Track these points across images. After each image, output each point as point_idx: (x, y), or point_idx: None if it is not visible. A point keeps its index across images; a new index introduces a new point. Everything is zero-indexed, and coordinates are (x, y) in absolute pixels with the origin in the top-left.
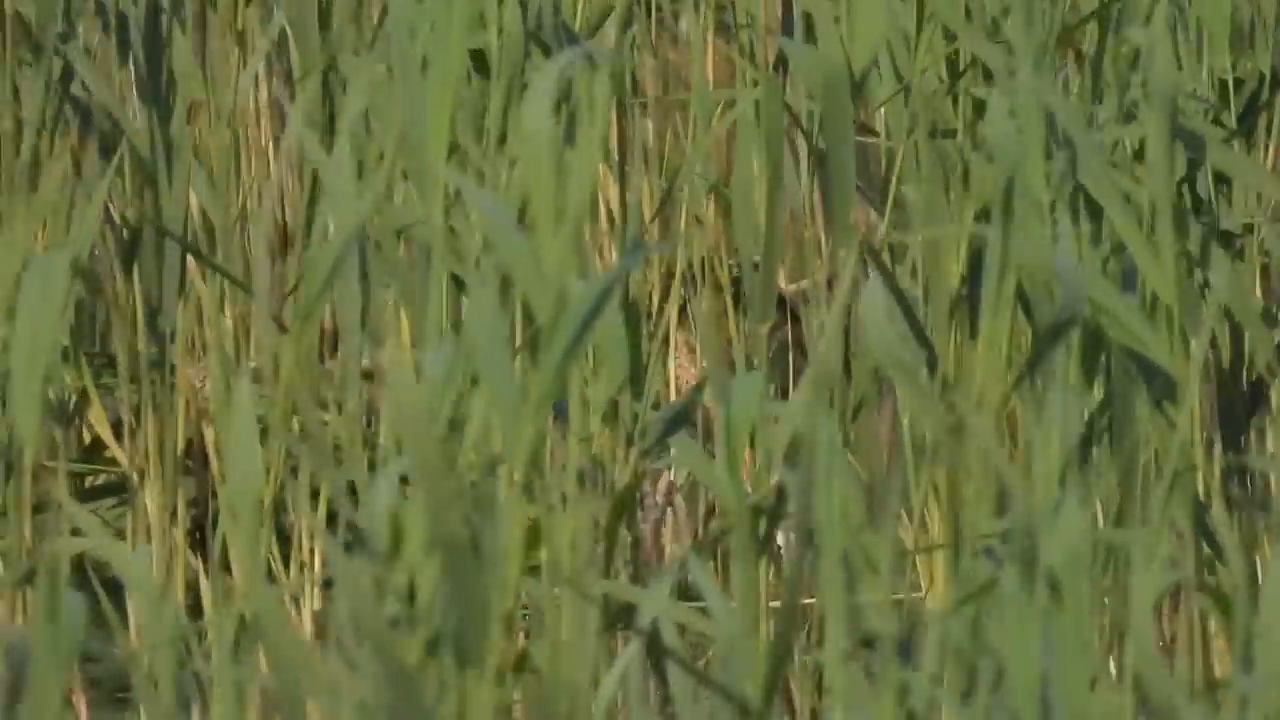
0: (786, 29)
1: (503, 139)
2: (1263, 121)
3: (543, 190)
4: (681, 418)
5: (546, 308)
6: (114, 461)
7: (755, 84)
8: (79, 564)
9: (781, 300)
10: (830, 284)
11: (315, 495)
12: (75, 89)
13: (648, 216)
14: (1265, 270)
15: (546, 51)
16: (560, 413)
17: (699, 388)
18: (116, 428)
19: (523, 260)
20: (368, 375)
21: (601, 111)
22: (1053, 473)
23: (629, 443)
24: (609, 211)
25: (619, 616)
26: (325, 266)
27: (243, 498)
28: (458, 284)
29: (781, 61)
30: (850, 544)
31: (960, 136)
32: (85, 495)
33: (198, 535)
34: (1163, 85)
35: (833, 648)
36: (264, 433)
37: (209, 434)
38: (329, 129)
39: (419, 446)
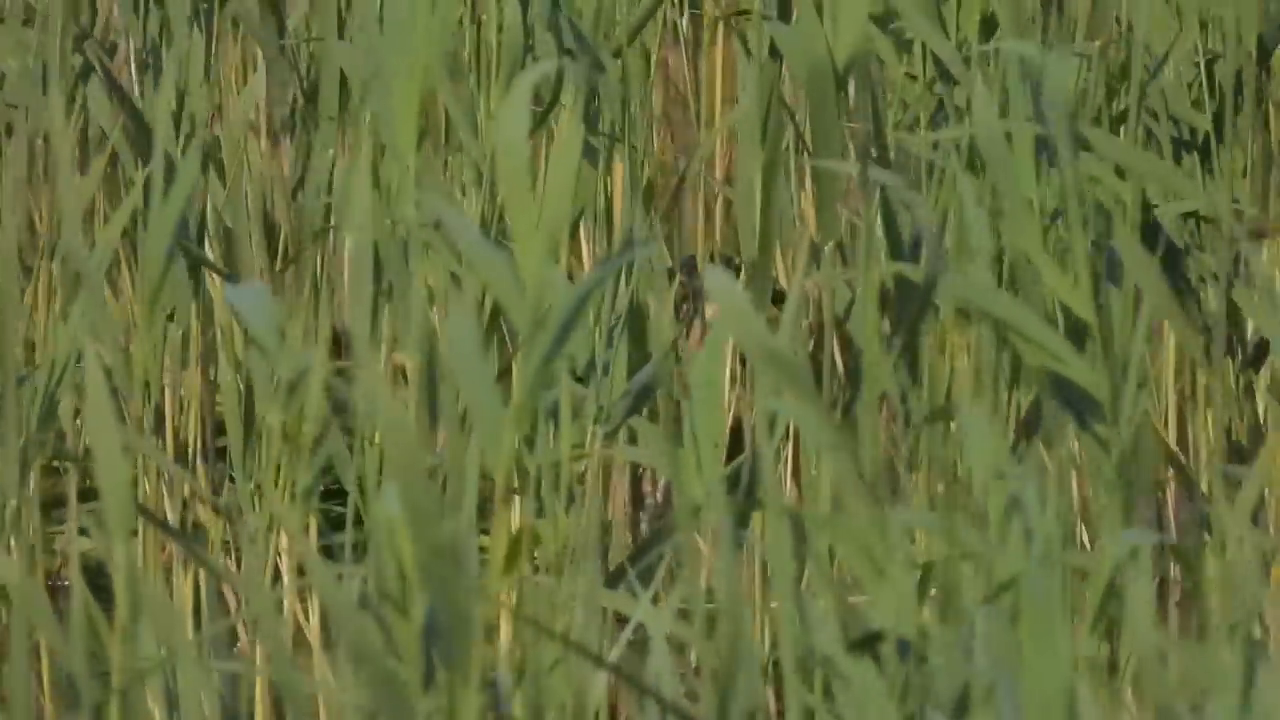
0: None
1: None
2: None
3: (520, 201)
4: (644, 396)
5: (525, 319)
6: None
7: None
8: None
9: (779, 295)
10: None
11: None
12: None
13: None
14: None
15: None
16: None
17: (647, 359)
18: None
19: (500, 273)
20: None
21: (576, 126)
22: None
23: (594, 429)
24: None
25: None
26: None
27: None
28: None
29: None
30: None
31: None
32: (85, 494)
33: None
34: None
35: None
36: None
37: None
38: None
39: (401, 456)
